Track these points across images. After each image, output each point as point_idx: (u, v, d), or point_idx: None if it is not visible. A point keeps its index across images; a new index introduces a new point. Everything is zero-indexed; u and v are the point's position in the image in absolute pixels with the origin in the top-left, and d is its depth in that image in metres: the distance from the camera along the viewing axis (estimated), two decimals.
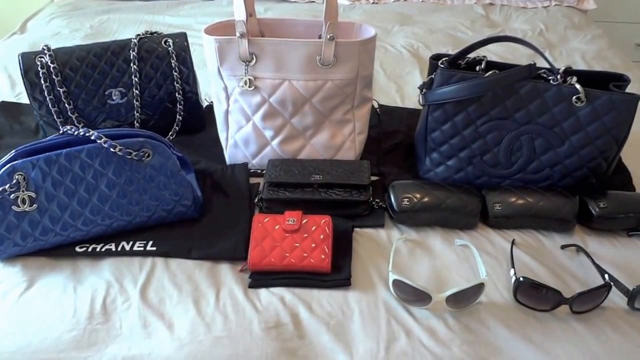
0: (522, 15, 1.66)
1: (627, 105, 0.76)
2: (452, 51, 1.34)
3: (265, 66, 0.81)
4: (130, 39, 0.93)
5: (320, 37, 0.84)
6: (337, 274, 0.71)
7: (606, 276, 0.70)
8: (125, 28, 1.50)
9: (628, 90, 0.80)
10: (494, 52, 1.38)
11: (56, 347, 0.63)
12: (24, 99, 1.09)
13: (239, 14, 0.78)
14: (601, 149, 0.79)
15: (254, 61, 0.81)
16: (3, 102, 1.11)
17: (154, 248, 0.74)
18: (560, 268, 0.74)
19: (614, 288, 0.68)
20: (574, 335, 0.64)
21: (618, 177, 0.89)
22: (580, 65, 1.34)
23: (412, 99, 1.15)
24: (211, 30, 0.84)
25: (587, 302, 0.66)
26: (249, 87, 0.83)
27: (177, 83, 0.95)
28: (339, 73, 0.82)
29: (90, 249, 0.74)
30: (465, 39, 1.47)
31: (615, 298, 0.69)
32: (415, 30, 1.52)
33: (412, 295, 0.66)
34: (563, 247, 0.77)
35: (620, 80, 0.80)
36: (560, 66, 0.80)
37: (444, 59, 0.83)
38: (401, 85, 1.22)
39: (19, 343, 0.63)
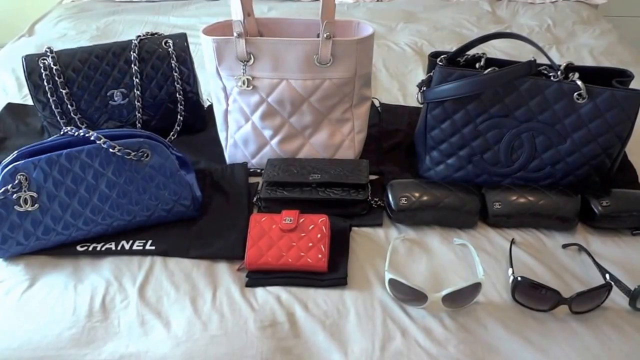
0: (529, 10, 1.63)
1: (630, 102, 0.74)
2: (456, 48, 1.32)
3: (263, 66, 0.82)
4: (130, 40, 0.94)
5: (318, 36, 0.84)
6: (333, 273, 0.70)
7: (607, 276, 0.69)
8: (130, 29, 1.51)
9: (632, 86, 0.78)
10: (499, 49, 1.36)
11: (56, 344, 0.64)
12: (30, 101, 1.11)
13: (236, 14, 0.79)
14: (604, 146, 0.78)
15: (251, 61, 0.81)
16: (10, 103, 1.13)
17: (153, 247, 0.75)
18: (561, 268, 0.73)
19: (615, 288, 0.67)
20: (573, 336, 0.63)
21: (623, 174, 0.87)
22: (588, 61, 1.32)
23: (414, 97, 1.13)
24: (210, 31, 0.84)
25: (587, 302, 0.65)
26: (247, 86, 0.83)
27: (178, 84, 0.96)
28: (337, 72, 0.82)
29: (90, 248, 0.75)
30: (471, 36, 1.43)
31: (617, 298, 0.67)
32: (419, 27, 1.51)
33: (408, 294, 0.66)
34: (564, 246, 0.76)
35: (624, 75, 0.78)
36: (563, 62, 0.78)
37: (442, 56, 0.82)
38: (404, 84, 1.21)
39: (21, 340, 0.65)
